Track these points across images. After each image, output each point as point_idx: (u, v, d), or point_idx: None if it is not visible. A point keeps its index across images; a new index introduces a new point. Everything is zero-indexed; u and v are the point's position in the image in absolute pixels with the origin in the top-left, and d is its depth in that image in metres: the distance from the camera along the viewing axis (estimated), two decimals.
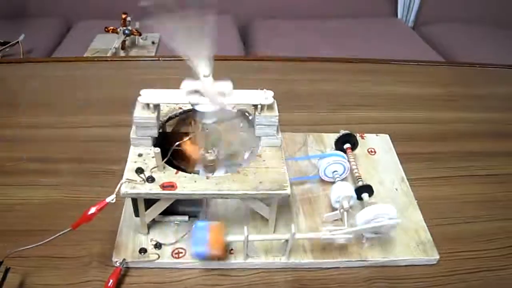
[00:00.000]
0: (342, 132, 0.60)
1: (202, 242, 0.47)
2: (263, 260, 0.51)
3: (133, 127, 0.51)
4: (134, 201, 0.50)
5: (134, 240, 0.52)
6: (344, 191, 0.54)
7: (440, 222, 0.58)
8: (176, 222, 0.54)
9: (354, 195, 0.54)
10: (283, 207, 0.55)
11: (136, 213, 0.52)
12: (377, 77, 0.94)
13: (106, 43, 1.32)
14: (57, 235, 0.45)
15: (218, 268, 0.51)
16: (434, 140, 0.75)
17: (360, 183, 0.56)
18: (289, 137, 0.66)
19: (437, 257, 0.52)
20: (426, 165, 0.68)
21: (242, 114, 0.55)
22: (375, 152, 0.65)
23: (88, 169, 0.64)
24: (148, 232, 0.53)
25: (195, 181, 0.48)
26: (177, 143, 0.50)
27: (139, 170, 0.48)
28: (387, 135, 0.69)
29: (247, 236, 0.47)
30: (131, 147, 0.51)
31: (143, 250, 0.51)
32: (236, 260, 0.51)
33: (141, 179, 0.47)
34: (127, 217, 0.54)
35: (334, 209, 0.55)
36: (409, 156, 0.67)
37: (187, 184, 0.47)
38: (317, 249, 0.52)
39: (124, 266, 0.49)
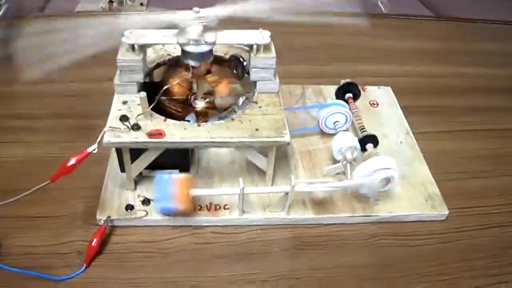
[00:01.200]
0: (344, 81, 0.56)
1: (166, 197, 0.43)
2: (260, 216, 0.47)
3: (117, 72, 0.46)
4: (119, 153, 0.46)
5: (120, 197, 0.48)
6: (347, 141, 0.50)
7: (447, 177, 0.54)
8: None
9: (358, 146, 0.50)
10: (281, 160, 0.52)
11: (122, 168, 0.48)
12: (375, 32, 0.89)
13: (93, 4, 1.25)
14: (33, 189, 0.41)
15: (212, 225, 0.47)
16: (436, 94, 0.71)
17: (364, 133, 0.52)
18: (286, 89, 0.62)
19: (446, 212, 0.49)
20: (428, 119, 0.64)
21: (236, 59, 0.50)
22: (377, 104, 0.61)
23: (69, 125, 0.59)
24: (135, 188, 0.48)
25: (185, 129, 0.43)
26: (165, 86, 0.45)
27: (124, 118, 0.44)
28: (389, 88, 0.65)
29: (243, 188, 0.43)
30: (115, 95, 0.47)
31: (129, 207, 0.47)
32: (231, 216, 0.47)
33: (126, 127, 0.43)
34: (112, 172, 0.50)
35: (336, 162, 0.51)
36: (411, 110, 0.63)
37: (176, 132, 0.43)
38: (318, 204, 0.48)
39: (109, 224, 0.45)
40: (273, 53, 0.46)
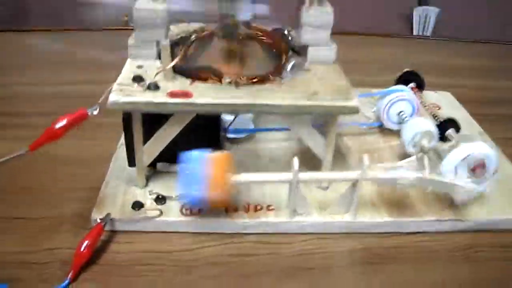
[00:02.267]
0: (405, 70, 0.46)
1: (197, 181, 0.30)
2: (317, 219, 0.34)
3: (133, 34, 0.36)
4: (128, 130, 0.34)
5: (125, 194, 0.35)
6: (421, 125, 0.38)
7: None
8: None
9: (436, 132, 0.38)
10: (336, 158, 0.39)
11: (131, 160, 0.36)
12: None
13: None
14: (6, 158, 0.29)
15: (251, 233, 0.34)
16: (489, 104, 0.60)
17: (439, 120, 0.40)
18: None
19: None
20: (496, 125, 0.53)
21: (280, 33, 0.40)
22: (439, 107, 0.51)
23: None
24: (147, 185, 0.36)
25: (220, 90, 0.32)
26: (194, 36, 0.34)
27: (138, 79, 0.33)
28: (448, 93, 0.55)
29: (297, 171, 0.31)
30: (128, 61, 0.36)
31: (138, 205, 0.34)
32: (278, 219, 0.34)
33: (141, 87, 0.32)
34: (116, 168, 0.38)
35: (408, 156, 0.39)
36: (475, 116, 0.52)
37: (208, 93, 0.32)
38: (392, 206, 0.36)
39: (108, 224, 0.32)
40: (330, 7, 0.36)
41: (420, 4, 1.59)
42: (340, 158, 0.40)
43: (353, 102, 0.32)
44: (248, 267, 0.32)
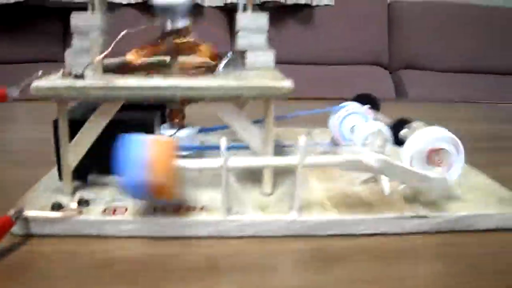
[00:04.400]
0: (360, 93, 0.45)
1: (138, 163, 0.28)
2: (256, 218, 0.31)
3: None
4: (56, 132, 0.32)
5: (48, 199, 0.32)
6: (371, 126, 0.36)
7: None
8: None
9: (387, 131, 0.36)
10: (282, 175, 0.36)
11: (61, 173, 0.34)
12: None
13: None
14: None
15: (179, 237, 0.30)
16: None
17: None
18: (287, 130, 0.50)
19: None
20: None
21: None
22: None
23: None
24: (74, 193, 0.33)
25: (147, 80, 0.31)
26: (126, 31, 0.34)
27: (67, 74, 0.32)
28: None
29: (227, 156, 0.29)
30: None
31: (57, 206, 0.31)
32: (210, 217, 0.30)
33: (66, 75, 0.31)
34: (47, 181, 0.35)
35: None
36: None
37: (133, 82, 0.31)
38: (343, 205, 0.32)
39: (18, 217, 0.29)
40: (263, 12, 0.37)
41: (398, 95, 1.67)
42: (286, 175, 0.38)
43: (286, 83, 0.31)
44: (174, 264, 0.28)
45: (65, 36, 1.56)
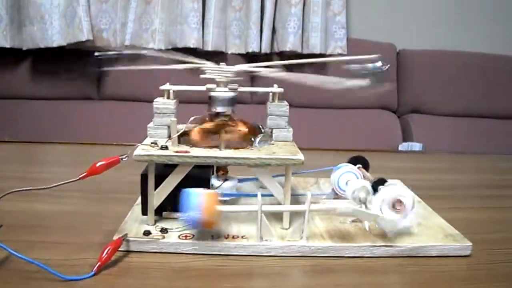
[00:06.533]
0: (352, 155, 0.61)
1: (194, 208, 0.44)
2: (279, 244, 0.46)
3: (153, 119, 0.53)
4: (144, 185, 0.49)
5: (138, 228, 0.48)
6: (359, 183, 0.52)
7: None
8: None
9: (370, 187, 0.52)
10: (295, 215, 0.52)
11: (144, 209, 0.50)
12: None
13: None
14: (62, 183, 0.44)
15: (229, 254, 0.46)
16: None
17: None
18: (301, 179, 0.67)
19: (470, 244, 0.48)
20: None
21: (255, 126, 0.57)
22: None
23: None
24: (155, 224, 0.49)
25: (209, 151, 0.48)
26: (192, 117, 0.51)
27: (154, 144, 0.49)
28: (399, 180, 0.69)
29: (261, 203, 0.45)
30: (146, 139, 0.52)
31: (147, 233, 0.47)
32: (249, 243, 0.46)
33: (155, 146, 0.48)
34: (133, 216, 0.52)
35: None
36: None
37: (201, 153, 0.47)
38: (337, 236, 0.48)
39: (124, 239, 0.45)
40: (285, 102, 0.54)
41: (405, 140, 1.81)
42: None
43: (299, 157, 0.47)
44: (225, 271, 0.43)
45: (99, 77, 1.77)
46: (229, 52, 1.77)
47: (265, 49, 1.73)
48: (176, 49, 1.68)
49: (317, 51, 1.75)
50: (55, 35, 1.59)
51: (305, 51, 1.76)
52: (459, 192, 0.75)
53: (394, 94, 1.90)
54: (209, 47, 1.70)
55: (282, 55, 1.79)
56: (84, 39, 1.59)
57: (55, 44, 1.60)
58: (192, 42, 1.66)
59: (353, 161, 0.61)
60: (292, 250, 0.46)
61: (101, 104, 1.77)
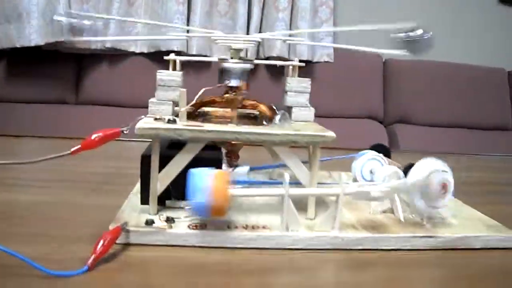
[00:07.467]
0: (373, 144, 0.55)
1: (202, 190, 0.36)
2: (307, 235, 0.39)
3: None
4: (144, 170, 0.41)
5: (138, 217, 0.41)
6: (389, 169, 0.46)
7: None
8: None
9: (401, 173, 0.46)
10: (322, 205, 0.46)
11: (143, 198, 0.42)
12: None
13: None
14: (49, 157, 0.36)
15: (247, 247, 0.39)
16: None
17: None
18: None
19: None
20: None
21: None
22: None
23: None
24: (157, 213, 0.42)
25: (224, 126, 0.41)
26: (203, 89, 0.44)
27: (159, 119, 0.42)
28: None
29: (288, 185, 0.38)
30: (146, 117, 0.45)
31: (150, 222, 0.39)
32: (272, 233, 0.39)
33: (160, 119, 0.41)
34: (130, 205, 0.44)
35: None
36: None
37: (216, 128, 0.40)
38: (369, 227, 0.42)
39: (123, 229, 0.37)
40: (307, 78, 0.47)
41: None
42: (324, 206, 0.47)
43: (330, 134, 0.41)
44: (242, 267, 0.36)
45: (77, 79, 1.68)
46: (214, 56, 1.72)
47: (251, 55, 1.67)
48: (159, 53, 1.62)
49: (304, 57, 1.72)
50: (32, 34, 1.50)
51: (292, 58, 1.72)
52: (475, 188, 0.70)
53: (380, 103, 1.88)
54: (194, 51, 1.64)
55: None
56: (63, 39, 1.50)
57: (32, 43, 1.51)
58: (176, 45, 1.60)
59: (375, 149, 0.55)
60: (323, 242, 0.39)
61: (77, 109, 1.68)
